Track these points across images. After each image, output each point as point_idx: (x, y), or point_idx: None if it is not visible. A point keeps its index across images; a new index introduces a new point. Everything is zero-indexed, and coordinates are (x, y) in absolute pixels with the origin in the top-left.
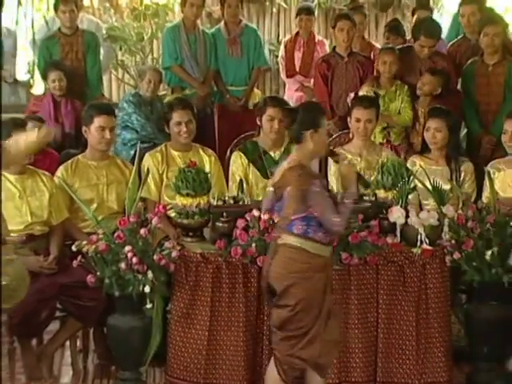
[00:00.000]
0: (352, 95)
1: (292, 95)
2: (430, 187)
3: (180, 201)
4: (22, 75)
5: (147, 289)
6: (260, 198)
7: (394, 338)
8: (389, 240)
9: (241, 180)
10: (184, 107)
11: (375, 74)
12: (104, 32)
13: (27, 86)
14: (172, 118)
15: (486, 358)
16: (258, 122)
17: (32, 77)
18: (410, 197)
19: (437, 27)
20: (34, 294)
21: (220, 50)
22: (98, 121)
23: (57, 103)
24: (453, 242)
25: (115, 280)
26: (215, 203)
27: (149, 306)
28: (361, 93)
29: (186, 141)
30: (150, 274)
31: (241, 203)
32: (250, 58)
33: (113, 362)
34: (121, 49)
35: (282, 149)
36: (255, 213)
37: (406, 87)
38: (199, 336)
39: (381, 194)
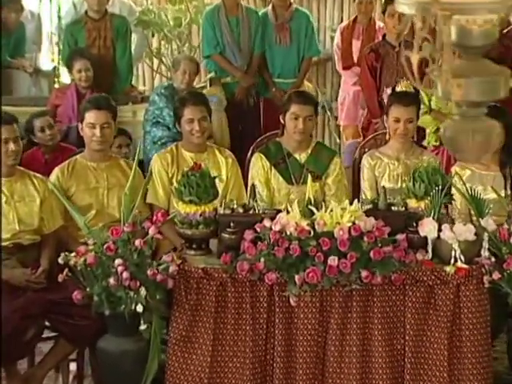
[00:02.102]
0: (389, 91)
1: (348, 90)
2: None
3: (182, 208)
4: (47, 64)
5: (139, 308)
6: (283, 207)
7: (423, 369)
8: (418, 256)
9: (253, 185)
10: (197, 103)
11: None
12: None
13: (51, 76)
14: (183, 114)
15: None
16: (282, 121)
17: (58, 66)
18: (458, 206)
19: None
20: (17, 310)
21: (266, 36)
22: (87, 117)
23: (81, 96)
24: (493, 260)
25: (105, 297)
26: (222, 211)
27: (143, 327)
28: (399, 88)
29: (199, 140)
30: (142, 291)
31: (251, 212)
32: (299, 46)
33: None
34: (153, 35)
35: (309, 150)
36: (266, 223)
37: None
38: (200, 362)
39: (412, 203)
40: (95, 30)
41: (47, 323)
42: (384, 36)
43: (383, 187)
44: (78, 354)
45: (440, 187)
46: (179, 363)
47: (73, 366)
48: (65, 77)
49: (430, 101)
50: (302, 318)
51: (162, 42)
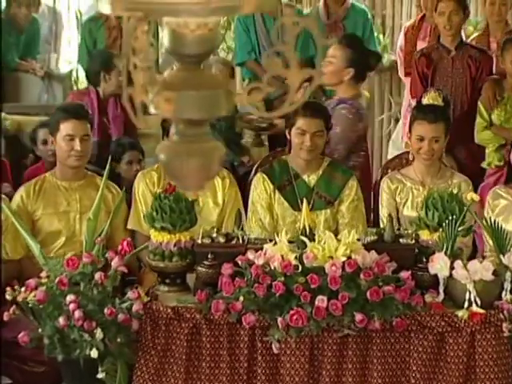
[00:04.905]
0: (413, 103)
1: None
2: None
3: (154, 236)
4: (65, 67)
5: (94, 353)
6: (290, 237)
7: None
8: (427, 298)
9: (238, 210)
10: None
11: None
12: None
13: (66, 80)
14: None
15: None
16: (288, 136)
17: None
18: (490, 242)
19: None
20: None
21: (317, 37)
22: (64, 128)
23: (103, 103)
24: None
25: (58, 339)
26: (200, 241)
27: (100, 375)
28: (425, 100)
29: None
30: (98, 333)
31: (234, 242)
32: None
33: None
34: None
35: (320, 171)
36: (250, 255)
37: None
38: None
39: (424, 235)
40: (116, 27)
41: None
42: (439, 38)
43: (390, 215)
44: None
45: (455, 217)
46: None
47: None
48: (83, 82)
49: (490, 115)
50: (289, 368)
51: None
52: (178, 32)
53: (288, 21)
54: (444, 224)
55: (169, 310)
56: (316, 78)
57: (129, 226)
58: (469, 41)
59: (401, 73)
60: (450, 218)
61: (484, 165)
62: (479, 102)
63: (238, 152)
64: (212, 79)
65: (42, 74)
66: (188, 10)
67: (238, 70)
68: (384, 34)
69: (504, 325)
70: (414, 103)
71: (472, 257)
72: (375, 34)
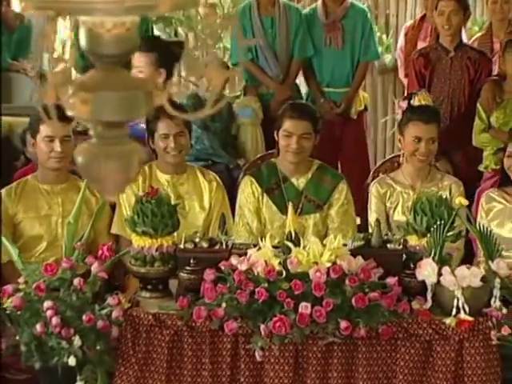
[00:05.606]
0: (404, 105)
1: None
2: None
3: (136, 241)
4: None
5: (72, 361)
6: (277, 242)
7: None
8: (414, 305)
9: (222, 215)
10: (172, 116)
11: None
12: None
13: None
14: (157, 129)
15: None
16: (276, 138)
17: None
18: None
19: None
20: None
21: (314, 38)
22: (44, 129)
23: None
24: (504, 311)
25: (35, 347)
26: (182, 245)
27: (79, 383)
28: (416, 102)
29: (176, 160)
30: (76, 341)
31: (218, 247)
32: (354, 48)
33: None
34: (175, 34)
35: (309, 175)
36: (234, 261)
37: None
38: None
39: (412, 240)
40: None
41: None
42: (438, 38)
43: (377, 220)
44: None
45: (443, 222)
46: None
47: None
48: None
49: (488, 117)
50: (272, 377)
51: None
52: (95, 31)
53: (208, 20)
54: (432, 229)
55: (150, 317)
56: (238, 78)
57: (112, 231)
58: (472, 40)
59: (401, 74)
60: (439, 222)
61: (481, 168)
62: (478, 104)
63: (233, 154)
64: (131, 80)
65: (33, 74)
66: (101, 9)
67: None
68: (387, 34)
69: (492, 332)
70: (404, 105)
71: (469, 262)
72: (376, 34)
